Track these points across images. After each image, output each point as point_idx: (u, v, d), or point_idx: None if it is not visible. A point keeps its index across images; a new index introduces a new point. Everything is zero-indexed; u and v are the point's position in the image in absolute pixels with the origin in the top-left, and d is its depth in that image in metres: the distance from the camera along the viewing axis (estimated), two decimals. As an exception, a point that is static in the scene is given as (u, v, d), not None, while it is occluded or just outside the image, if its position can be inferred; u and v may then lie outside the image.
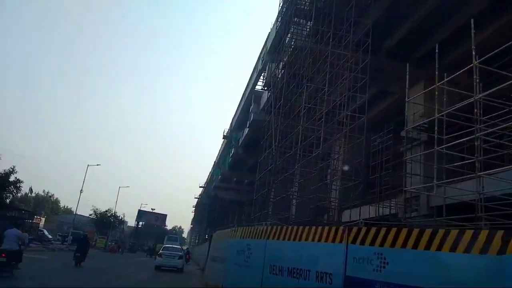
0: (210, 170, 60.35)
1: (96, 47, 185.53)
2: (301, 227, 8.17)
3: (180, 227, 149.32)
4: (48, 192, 74.92)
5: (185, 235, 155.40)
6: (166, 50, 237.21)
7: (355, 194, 12.87)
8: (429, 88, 10.46)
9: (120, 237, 59.13)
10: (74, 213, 49.45)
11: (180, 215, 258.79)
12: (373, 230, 6.60)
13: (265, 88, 18.38)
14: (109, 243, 43.82)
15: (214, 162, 51.41)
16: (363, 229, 6.88)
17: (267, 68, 18.26)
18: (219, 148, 48.38)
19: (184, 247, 39.23)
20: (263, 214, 15.96)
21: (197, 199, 77.38)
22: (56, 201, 77.46)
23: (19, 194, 30.37)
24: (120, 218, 54.99)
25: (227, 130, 35.71)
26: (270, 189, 15.56)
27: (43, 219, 45.31)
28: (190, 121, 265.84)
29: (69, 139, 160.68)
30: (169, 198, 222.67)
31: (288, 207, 16.48)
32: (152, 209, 64.58)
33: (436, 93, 9.37)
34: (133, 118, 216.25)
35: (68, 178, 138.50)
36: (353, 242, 6.80)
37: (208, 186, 56.72)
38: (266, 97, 19.68)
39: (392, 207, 14.38)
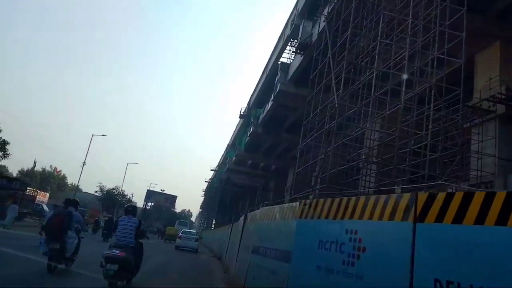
0: (222, 153, 57.95)
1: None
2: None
3: (189, 210, 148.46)
4: (55, 168, 73.23)
5: (193, 219, 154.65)
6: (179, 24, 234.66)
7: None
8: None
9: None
10: (80, 189, 47.56)
11: (190, 198, 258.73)
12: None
13: (298, 52, 15.61)
14: (116, 222, 41.94)
15: (228, 144, 48.95)
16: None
17: (300, 29, 15.46)
18: (233, 129, 45.86)
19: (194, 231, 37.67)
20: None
21: (207, 183, 75.32)
22: (64, 177, 75.71)
23: (6, 160, 25.89)
24: (128, 197, 52.97)
25: (245, 108, 33.06)
26: (326, 153, 11.51)
27: (47, 195, 43.10)
28: (204, 99, 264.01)
29: (82, 112, 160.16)
30: (179, 180, 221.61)
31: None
32: (161, 190, 62.50)
33: None
34: (145, 94, 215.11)
35: (78, 153, 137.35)
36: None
37: (220, 170, 54.39)
38: (297, 65, 16.94)
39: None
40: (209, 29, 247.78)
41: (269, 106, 22.04)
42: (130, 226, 7.46)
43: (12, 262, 8.76)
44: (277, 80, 18.60)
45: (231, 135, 47.75)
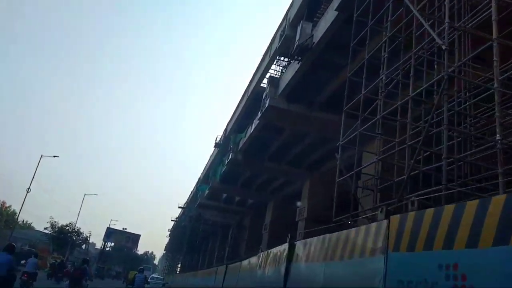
0: (192, 189, 54.28)
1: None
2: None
3: (152, 252, 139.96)
4: (3, 202, 65.19)
5: (156, 261, 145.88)
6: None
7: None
8: None
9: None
10: (33, 227, 42.10)
11: (153, 239, 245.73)
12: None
13: (296, 58, 13.39)
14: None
15: (199, 178, 45.64)
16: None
17: (298, 31, 13.33)
18: (205, 163, 42.80)
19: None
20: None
21: (174, 222, 70.61)
22: (13, 213, 67.84)
23: None
24: (85, 235, 47.32)
25: (221, 136, 30.41)
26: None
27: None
28: (172, 132, 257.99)
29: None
30: (143, 219, 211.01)
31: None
32: (123, 228, 57.23)
33: None
34: (108, 128, 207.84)
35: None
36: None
37: (189, 206, 50.58)
38: (291, 76, 14.70)
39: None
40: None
41: (253, 127, 19.57)
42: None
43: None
44: (266, 96, 16.26)
45: (203, 169, 44.65)
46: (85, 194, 40.58)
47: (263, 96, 16.95)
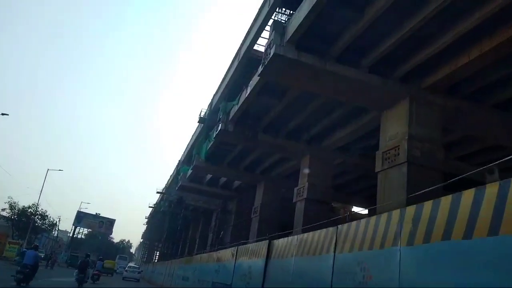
0: (171, 174, 50.75)
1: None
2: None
3: (129, 241, 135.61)
4: None
5: (133, 250, 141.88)
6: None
7: None
8: None
9: (52, 246, 46.99)
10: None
11: (130, 227, 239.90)
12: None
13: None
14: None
15: (179, 160, 42.22)
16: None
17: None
18: (186, 144, 39.40)
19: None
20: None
21: (152, 208, 67.04)
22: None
23: None
24: (52, 220, 42.38)
25: (205, 110, 27.12)
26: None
27: None
28: (148, 112, 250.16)
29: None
30: (118, 204, 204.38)
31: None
32: (96, 213, 53.09)
33: None
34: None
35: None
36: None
37: (168, 191, 47.18)
38: (304, 14, 11.62)
39: None
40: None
41: (249, 90, 16.47)
42: None
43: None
44: (269, 45, 13.14)
45: (184, 150, 41.25)
46: (48, 169, 36.06)
47: (265, 47, 13.83)
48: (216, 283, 11.92)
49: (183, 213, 40.14)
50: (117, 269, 44.23)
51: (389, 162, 13.75)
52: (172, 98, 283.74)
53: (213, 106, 25.89)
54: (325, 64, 12.96)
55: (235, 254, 10.92)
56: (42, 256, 24.17)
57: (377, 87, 13.78)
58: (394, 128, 14.07)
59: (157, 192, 55.68)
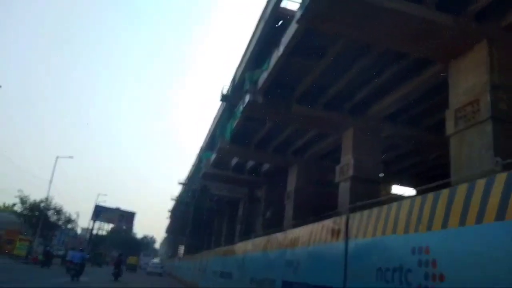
0: (193, 163, 48.46)
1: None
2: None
3: (152, 236, 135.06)
4: None
5: (157, 245, 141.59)
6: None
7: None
8: None
9: (71, 243, 45.23)
10: None
11: (152, 223, 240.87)
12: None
13: None
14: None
15: (201, 147, 39.83)
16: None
17: None
18: (208, 128, 36.89)
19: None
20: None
21: (174, 201, 65.19)
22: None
23: None
24: (69, 215, 40.03)
25: (228, 87, 24.40)
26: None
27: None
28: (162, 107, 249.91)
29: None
30: (141, 199, 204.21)
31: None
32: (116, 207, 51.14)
33: None
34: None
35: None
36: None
37: (191, 180, 44.99)
38: None
39: None
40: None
41: (284, 45, 13.64)
42: None
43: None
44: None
45: (205, 135, 38.80)
46: (57, 157, 32.66)
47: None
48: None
49: (207, 203, 37.77)
50: (142, 265, 49.15)
51: (465, 121, 10.91)
52: (192, 84, 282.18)
53: (236, 81, 23.16)
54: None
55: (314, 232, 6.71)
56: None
57: (448, 28, 10.83)
58: (470, 79, 11.20)
59: (179, 183, 53.71)
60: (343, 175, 17.31)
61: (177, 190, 67.31)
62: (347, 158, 17.17)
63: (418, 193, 5.71)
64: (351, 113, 17.27)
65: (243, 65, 20.95)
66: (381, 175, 17.03)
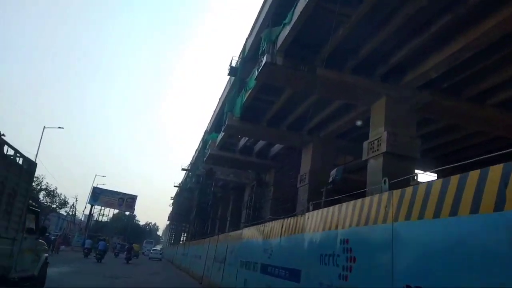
0: (197, 148, 46.27)
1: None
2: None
3: (155, 223, 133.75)
4: None
5: (160, 232, 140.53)
6: None
7: None
8: None
9: (70, 229, 43.17)
10: None
11: (154, 210, 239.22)
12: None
13: None
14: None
15: (205, 131, 37.60)
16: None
17: None
18: (213, 109, 34.58)
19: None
20: None
21: (177, 188, 63.19)
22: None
23: None
24: (64, 198, 38.01)
25: (237, 59, 22.08)
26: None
27: None
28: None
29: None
30: (140, 188, 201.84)
31: None
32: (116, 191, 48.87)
33: None
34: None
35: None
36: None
37: (194, 166, 42.85)
38: None
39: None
40: None
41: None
42: None
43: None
44: None
45: (210, 118, 36.56)
46: (44, 127, 29.98)
47: None
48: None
49: (213, 188, 35.64)
50: (145, 252, 54.76)
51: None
52: (198, 62, 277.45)
53: (246, 51, 20.82)
54: None
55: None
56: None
57: None
58: None
59: (182, 169, 51.58)
60: (372, 152, 15.03)
61: (180, 177, 65.28)
62: (378, 132, 14.86)
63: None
64: (384, 79, 14.96)
65: (258, 25, 18.50)
66: (418, 152, 14.72)
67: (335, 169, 12.10)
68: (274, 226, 9.36)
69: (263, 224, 10.50)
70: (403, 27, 12.50)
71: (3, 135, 6.62)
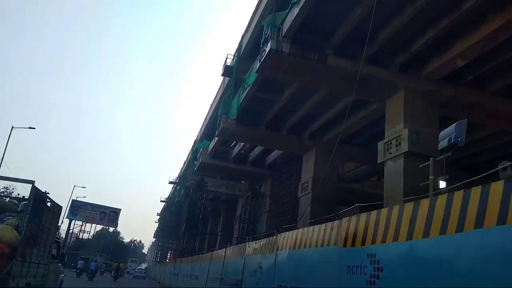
0: (185, 160, 43.98)
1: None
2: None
3: (140, 241, 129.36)
4: None
5: (145, 250, 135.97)
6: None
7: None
8: None
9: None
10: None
11: (140, 227, 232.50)
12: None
13: None
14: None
15: (195, 140, 35.56)
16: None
17: None
18: (204, 117, 32.65)
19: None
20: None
21: (164, 203, 60.51)
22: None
23: None
24: None
25: (233, 56, 20.29)
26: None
27: None
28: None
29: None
30: (125, 204, 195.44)
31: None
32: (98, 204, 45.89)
33: None
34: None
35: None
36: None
37: (183, 178, 40.57)
38: None
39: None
40: None
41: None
42: None
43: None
44: None
45: (200, 127, 34.61)
46: (12, 127, 26.79)
47: None
48: None
49: (203, 200, 33.40)
50: (130, 270, 55.15)
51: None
52: (192, 74, 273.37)
53: (242, 49, 19.09)
54: None
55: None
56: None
57: None
58: None
59: (170, 182, 49.06)
60: (389, 153, 13.25)
61: (167, 191, 62.53)
62: (397, 129, 13.11)
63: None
64: (402, 70, 13.30)
65: (257, 17, 16.68)
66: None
67: (454, 125, 7.60)
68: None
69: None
70: (429, 7, 10.91)
71: (48, 192, 9.04)
